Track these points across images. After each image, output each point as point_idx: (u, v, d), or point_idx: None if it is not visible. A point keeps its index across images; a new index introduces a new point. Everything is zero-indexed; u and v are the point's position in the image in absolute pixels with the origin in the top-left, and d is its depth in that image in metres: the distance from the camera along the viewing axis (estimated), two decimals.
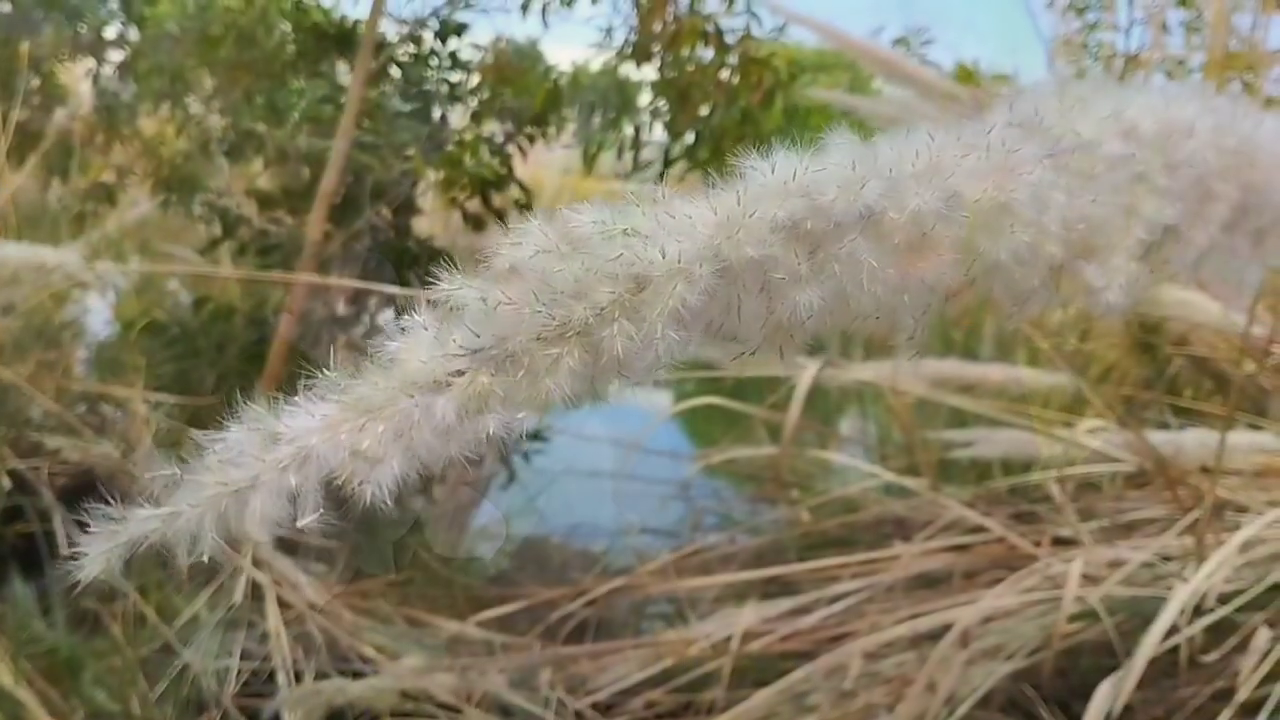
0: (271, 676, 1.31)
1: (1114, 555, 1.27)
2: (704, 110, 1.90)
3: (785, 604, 1.38)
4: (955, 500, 1.51)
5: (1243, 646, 1.11)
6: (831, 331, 0.30)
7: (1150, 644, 1.02)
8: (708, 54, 1.87)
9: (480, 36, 2.08)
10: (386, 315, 1.88)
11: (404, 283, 1.79)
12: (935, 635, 1.22)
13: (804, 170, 0.28)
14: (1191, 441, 1.36)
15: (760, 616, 1.35)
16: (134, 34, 2.27)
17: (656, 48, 1.89)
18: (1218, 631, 1.12)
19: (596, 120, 2.20)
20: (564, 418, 2.50)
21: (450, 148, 1.95)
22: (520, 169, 2.05)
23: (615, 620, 1.59)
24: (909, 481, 1.60)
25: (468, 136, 1.98)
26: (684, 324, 0.27)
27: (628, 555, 1.69)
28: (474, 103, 2.05)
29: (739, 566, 1.57)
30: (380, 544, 1.70)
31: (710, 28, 1.85)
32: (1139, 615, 1.15)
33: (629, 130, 2.19)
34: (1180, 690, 1.14)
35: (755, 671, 1.31)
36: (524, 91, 2.06)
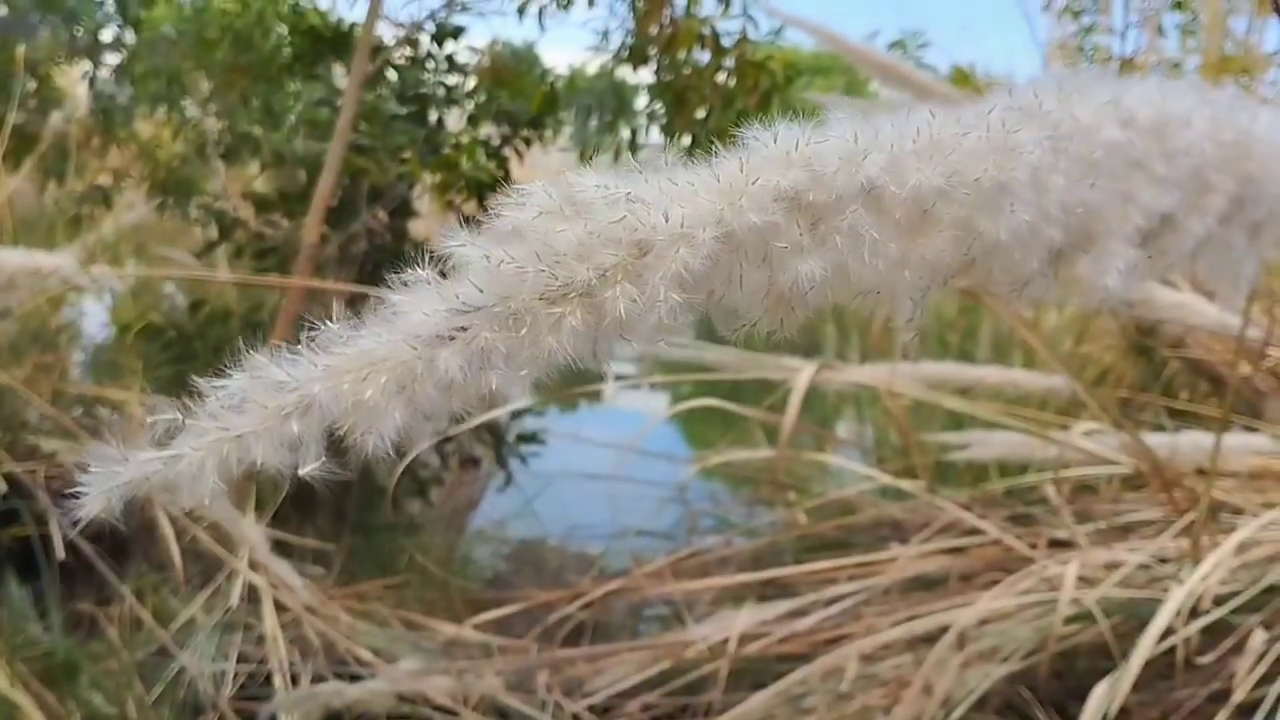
0: (268, 679, 1.31)
1: (1110, 557, 1.27)
2: (700, 113, 1.90)
3: (782, 606, 1.38)
4: (952, 503, 1.51)
5: (1239, 648, 1.11)
6: (832, 307, 0.30)
7: (1146, 646, 1.02)
8: (704, 57, 1.88)
9: (477, 39, 2.08)
10: None
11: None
12: (932, 637, 1.22)
13: (806, 141, 0.28)
14: (1187, 444, 1.36)
15: (757, 619, 1.35)
16: (130, 37, 2.27)
17: (653, 51, 1.90)
18: (1213, 633, 1.12)
19: (593, 123, 2.21)
20: (561, 420, 2.50)
21: (446, 151, 1.95)
22: (517, 172, 2.05)
23: (612, 623, 1.59)
24: (905, 484, 1.60)
25: (464, 139, 1.98)
26: (686, 288, 0.27)
27: (625, 558, 1.69)
28: (470, 106, 2.05)
29: (736, 569, 1.57)
30: (377, 546, 1.70)
31: (707, 31, 1.85)
32: (1135, 617, 1.15)
33: (625, 133, 2.19)
34: (1176, 692, 1.14)
35: (752, 674, 1.31)
36: (520, 94, 2.06)
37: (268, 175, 2.07)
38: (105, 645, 1.31)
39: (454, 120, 2.04)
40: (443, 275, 0.27)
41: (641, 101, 2.12)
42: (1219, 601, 1.11)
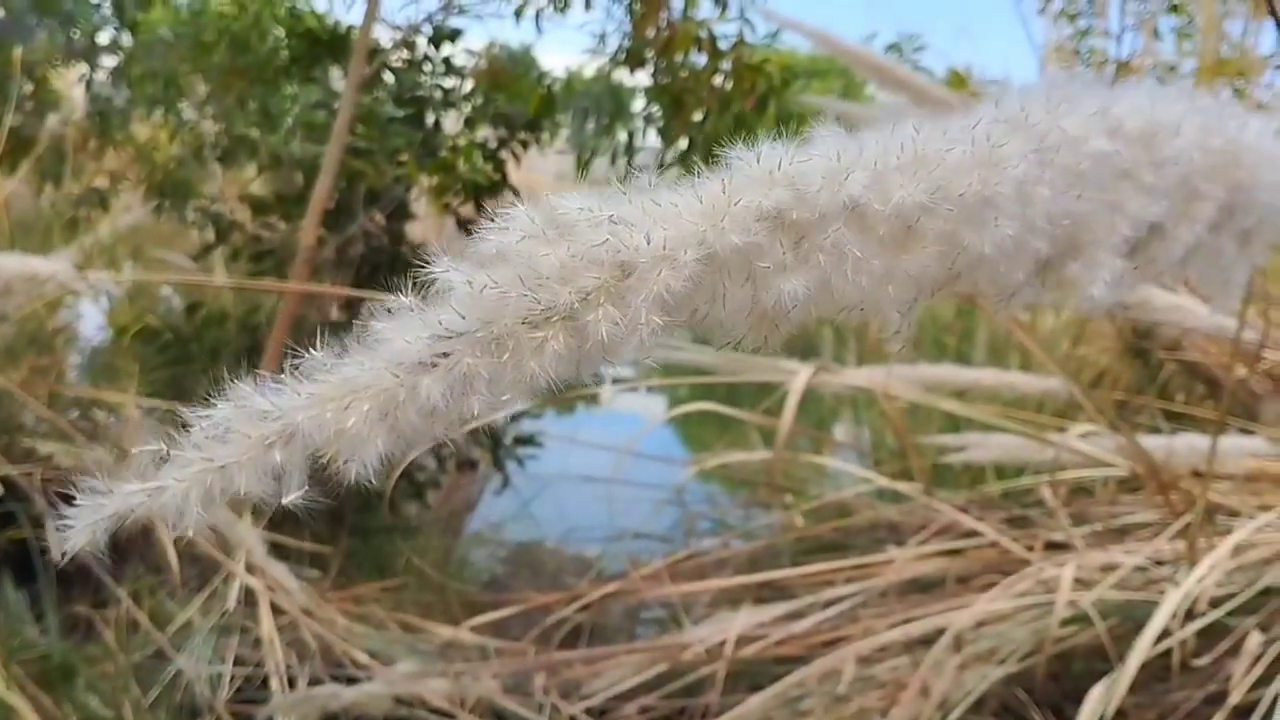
0: (265, 682, 1.31)
1: (1106, 559, 1.27)
2: (697, 116, 1.90)
3: (779, 609, 1.38)
4: (948, 505, 1.51)
5: (1235, 650, 1.11)
6: (817, 322, 0.30)
7: (1142, 648, 1.02)
8: (701, 60, 1.88)
9: (474, 42, 2.08)
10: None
11: (397, 289, 1.79)
12: (929, 640, 1.22)
13: (789, 160, 0.28)
14: (1183, 446, 1.36)
15: (754, 621, 1.35)
16: (127, 40, 2.27)
17: (650, 54, 1.90)
18: (1210, 635, 1.12)
19: (590, 126, 2.21)
20: (558, 423, 2.50)
21: (444, 153, 1.95)
22: (514, 175, 2.05)
23: (609, 625, 1.59)
24: (902, 486, 1.60)
25: (461, 142, 1.99)
26: (669, 310, 0.27)
27: (622, 560, 1.69)
28: (467, 108, 2.05)
29: (733, 571, 1.57)
30: (374, 549, 1.70)
31: (704, 34, 1.85)
32: (1131, 619, 1.15)
33: (622, 136, 2.19)
34: (1172, 694, 1.14)
35: (749, 676, 1.31)
36: (517, 97, 2.06)
37: (265, 178, 2.07)
38: (102, 648, 1.31)
39: (451, 123, 2.04)
40: (425, 299, 0.28)
41: (638, 104, 2.13)
42: (1215, 604, 1.11)
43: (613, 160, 2.14)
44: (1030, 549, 1.37)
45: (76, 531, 0.26)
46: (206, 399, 0.27)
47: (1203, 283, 0.38)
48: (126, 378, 1.72)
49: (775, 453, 1.61)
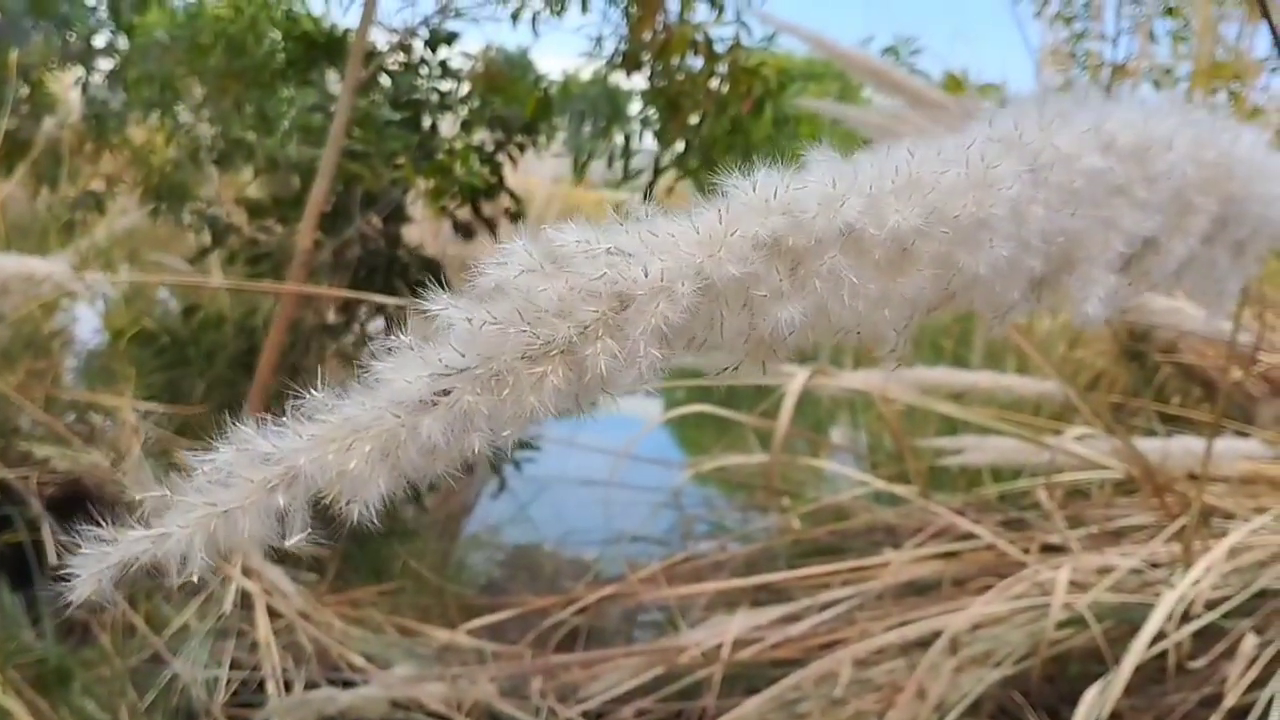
0: (261, 686, 1.31)
1: (1102, 562, 1.27)
2: (694, 119, 1.90)
3: (776, 611, 1.38)
4: (945, 508, 1.52)
5: (1230, 652, 1.11)
6: (813, 344, 0.30)
7: (1138, 650, 1.02)
8: (697, 63, 1.88)
9: (470, 45, 2.08)
10: (377, 324, 1.88)
11: (394, 291, 1.79)
12: (925, 642, 1.22)
13: (785, 188, 0.28)
14: (1179, 449, 1.36)
15: (751, 624, 1.36)
16: (123, 42, 2.27)
17: (646, 57, 1.90)
18: (1205, 638, 1.13)
19: (587, 129, 2.21)
20: (555, 426, 2.50)
21: (440, 156, 1.95)
22: (511, 178, 2.05)
23: (606, 628, 1.59)
24: (899, 489, 1.61)
25: (458, 145, 1.98)
26: (667, 341, 0.27)
27: (619, 563, 1.69)
28: (464, 111, 2.05)
29: (730, 574, 1.57)
30: (370, 552, 1.70)
31: (700, 37, 1.85)
32: (1127, 622, 1.15)
33: (619, 139, 2.19)
34: (1168, 696, 1.15)
35: (746, 679, 1.31)
36: (514, 100, 2.06)
37: (261, 181, 2.07)
38: (98, 652, 1.31)
39: (448, 126, 2.04)
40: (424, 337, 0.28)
41: (635, 107, 2.13)
42: (1210, 606, 1.12)
43: (609, 163, 2.14)
44: (1026, 551, 1.37)
45: (83, 581, 0.26)
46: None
47: (1197, 294, 0.38)
48: (123, 381, 1.72)
49: (772, 455, 1.61)
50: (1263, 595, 1.15)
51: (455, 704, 1.28)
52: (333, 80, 2.04)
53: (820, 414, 2.30)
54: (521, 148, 2.05)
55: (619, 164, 2.11)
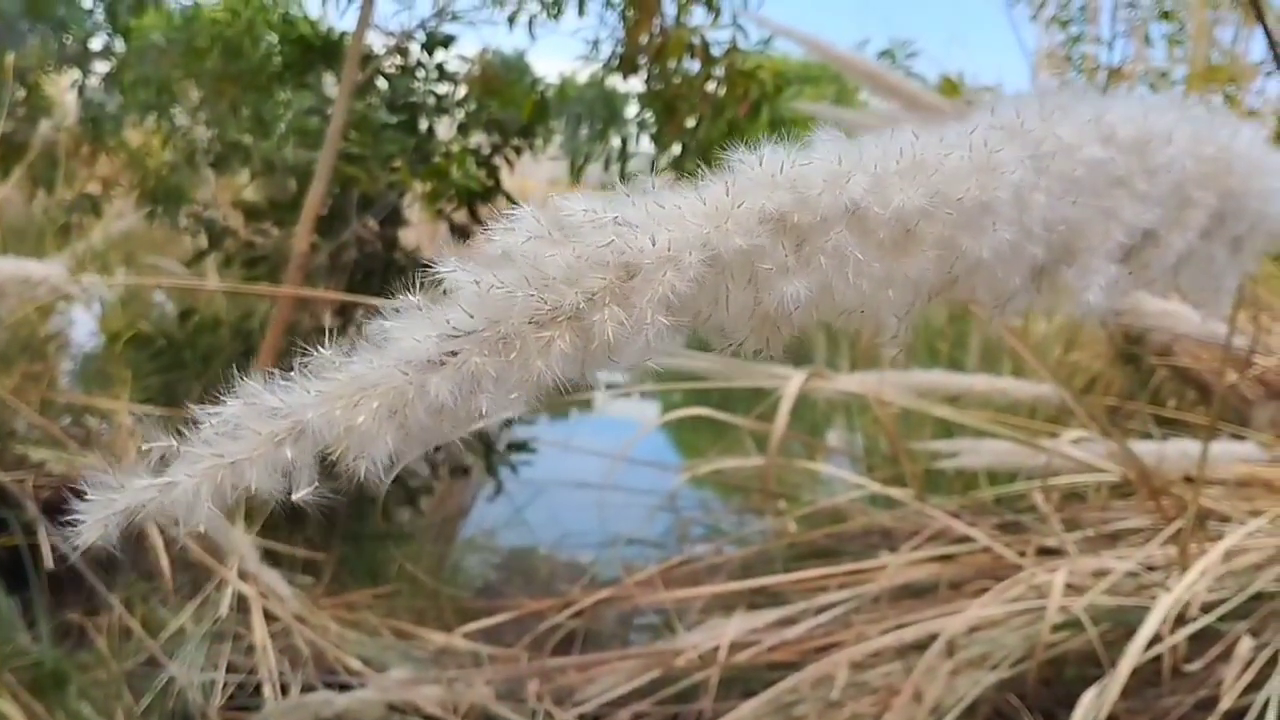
0: (258, 689, 1.30)
1: (1098, 565, 1.27)
2: (690, 122, 1.91)
3: (772, 614, 1.38)
4: (941, 511, 1.52)
5: (1226, 655, 1.11)
6: (817, 325, 0.30)
7: (1134, 653, 1.02)
8: (694, 66, 1.88)
9: (467, 48, 2.08)
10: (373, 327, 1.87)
11: (390, 295, 1.79)
12: (921, 645, 1.22)
13: (791, 164, 0.29)
14: (1175, 451, 1.36)
15: (747, 627, 1.36)
16: (120, 45, 2.27)
17: (643, 60, 1.90)
18: (1201, 640, 1.13)
19: (583, 132, 2.21)
20: (551, 429, 2.50)
21: (437, 159, 1.95)
22: (507, 181, 2.05)
23: (603, 631, 1.59)
24: (895, 492, 1.60)
25: (454, 148, 1.99)
26: (673, 311, 0.28)
27: (615, 566, 1.69)
28: (461, 114, 2.05)
29: (726, 577, 1.57)
30: (366, 555, 1.70)
31: (696, 40, 1.86)
32: (1123, 624, 1.15)
33: (616, 142, 2.19)
34: (1164, 699, 1.15)
35: (742, 682, 1.31)
36: (511, 103, 2.06)
37: (258, 184, 2.07)
38: (94, 655, 1.31)
39: (444, 129, 2.04)
40: (432, 300, 0.28)
41: (632, 110, 2.13)
42: (1206, 609, 1.12)
43: (606, 166, 2.15)
44: (1022, 554, 1.37)
45: (88, 526, 0.26)
46: (207, 401, 0.27)
47: (1194, 289, 0.38)
48: (119, 384, 1.72)
49: (768, 458, 1.61)
50: (1259, 598, 1.15)
51: (451, 707, 1.28)
52: (329, 83, 2.04)
53: (816, 417, 2.30)
54: (518, 151, 2.05)
55: (616, 167, 2.11)
